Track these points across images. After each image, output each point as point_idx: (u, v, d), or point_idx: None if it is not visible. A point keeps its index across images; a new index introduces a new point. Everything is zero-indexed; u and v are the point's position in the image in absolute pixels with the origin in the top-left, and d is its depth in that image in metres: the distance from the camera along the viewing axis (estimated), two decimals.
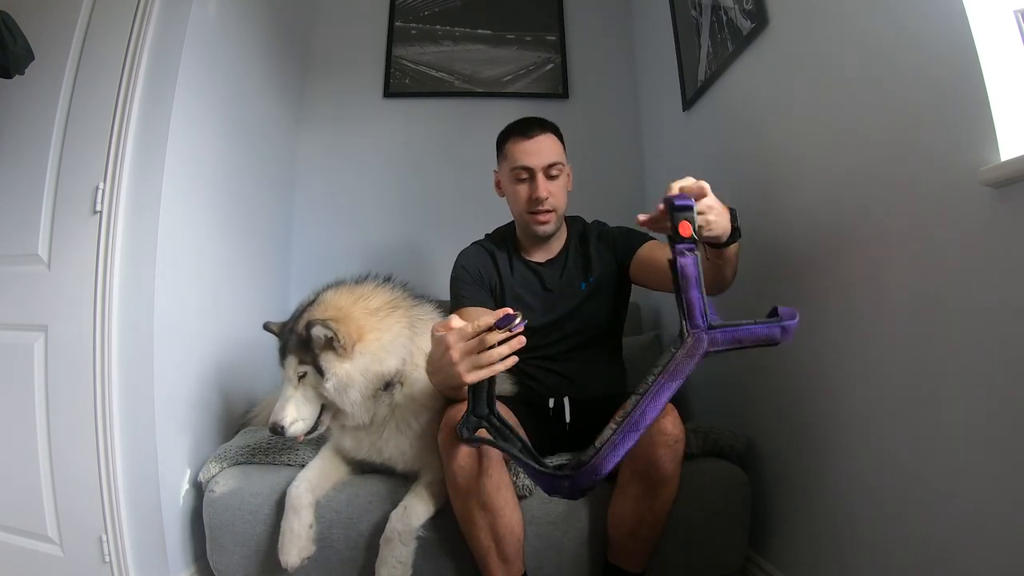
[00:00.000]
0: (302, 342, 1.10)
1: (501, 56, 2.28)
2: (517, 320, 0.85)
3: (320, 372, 1.08)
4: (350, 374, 1.09)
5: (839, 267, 1.05)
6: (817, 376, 1.12)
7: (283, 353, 1.14)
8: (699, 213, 0.79)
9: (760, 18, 1.27)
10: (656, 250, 1.27)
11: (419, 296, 1.28)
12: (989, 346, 0.75)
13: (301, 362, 1.11)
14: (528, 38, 2.30)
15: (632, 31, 2.33)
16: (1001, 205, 0.72)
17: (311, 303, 1.17)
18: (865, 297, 0.98)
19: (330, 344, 1.08)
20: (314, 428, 1.14)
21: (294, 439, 1.14)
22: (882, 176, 0.93)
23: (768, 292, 1.28)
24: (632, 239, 1.34)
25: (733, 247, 0.98)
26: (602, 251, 1.35)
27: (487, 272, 1.35)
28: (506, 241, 1.40)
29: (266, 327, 1.26)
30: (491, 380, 0.91)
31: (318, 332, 1.07)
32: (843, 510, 1.05)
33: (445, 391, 1.05)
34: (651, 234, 1.28)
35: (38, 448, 1.25)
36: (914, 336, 0.87)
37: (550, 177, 1.29)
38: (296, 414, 1.11)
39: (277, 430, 1.10)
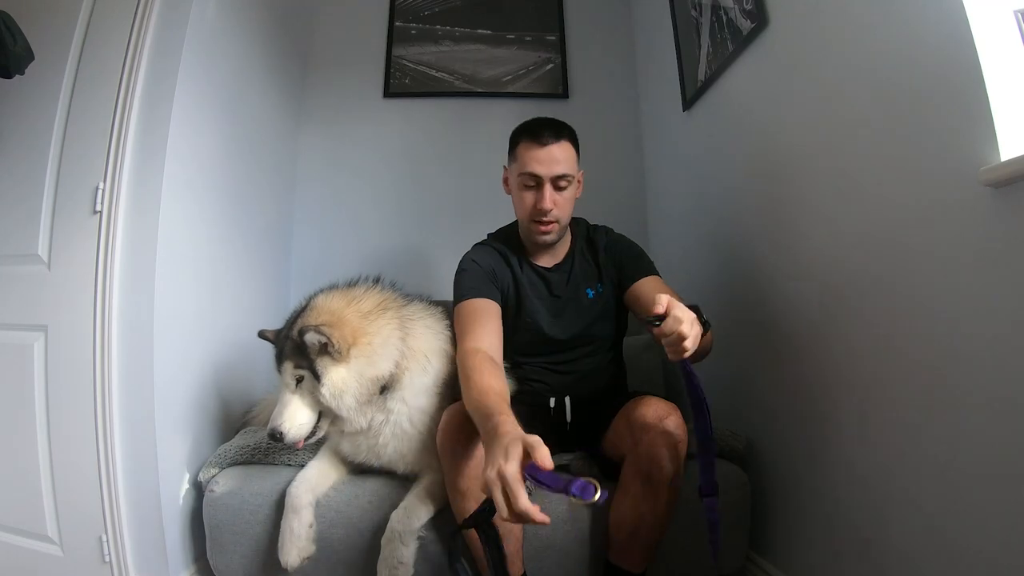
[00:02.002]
0: (297, 348, 1.10)
1: (501, 56, 2.28)
2: (596, 496, 0.75)
3: (316, 377, 1.09)
4: (345, 379, 1.09)
5: (838, 266, 1.05)
6: (816, 377, 1.12)
7: (279, 359, 1.15)
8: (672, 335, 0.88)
9: (760, 18, 1.27)
10: (653, 288, 1.22)
11: (408, 295, 1.29)
12: (989, 346, 0.74)
13: (297, 367, 1.11)
14: (528, 38, 2.30)
15: (632, 31, 2.33)
16: (1001, 205, 0.72)
17: (304, 308, 1.17)
18: (863, 296, 0.98)
19: (325, 349, 1.08)
20: (313, 433, 1.14)
21: (293, 445, 1.14)
22: (881, 175, 0.93)
23: (768, 290, 1.28)
24: (639, 267, 1.29)
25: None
26: (610, 267, 1.32)
27: (501, 271, 1.30)
28: (511, 243, 1.36)
29: (261, 335, 1.26)
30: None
31: (311, 339, 1.07)
32: (843, 510, 1.05)
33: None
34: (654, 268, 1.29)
35: (38, 448, 1.25)
36: (913, 336, 0.87)
37: (558, 188, 1.24)
38: (294, 420, 1.11)
39: (276, 436, 1.10)
